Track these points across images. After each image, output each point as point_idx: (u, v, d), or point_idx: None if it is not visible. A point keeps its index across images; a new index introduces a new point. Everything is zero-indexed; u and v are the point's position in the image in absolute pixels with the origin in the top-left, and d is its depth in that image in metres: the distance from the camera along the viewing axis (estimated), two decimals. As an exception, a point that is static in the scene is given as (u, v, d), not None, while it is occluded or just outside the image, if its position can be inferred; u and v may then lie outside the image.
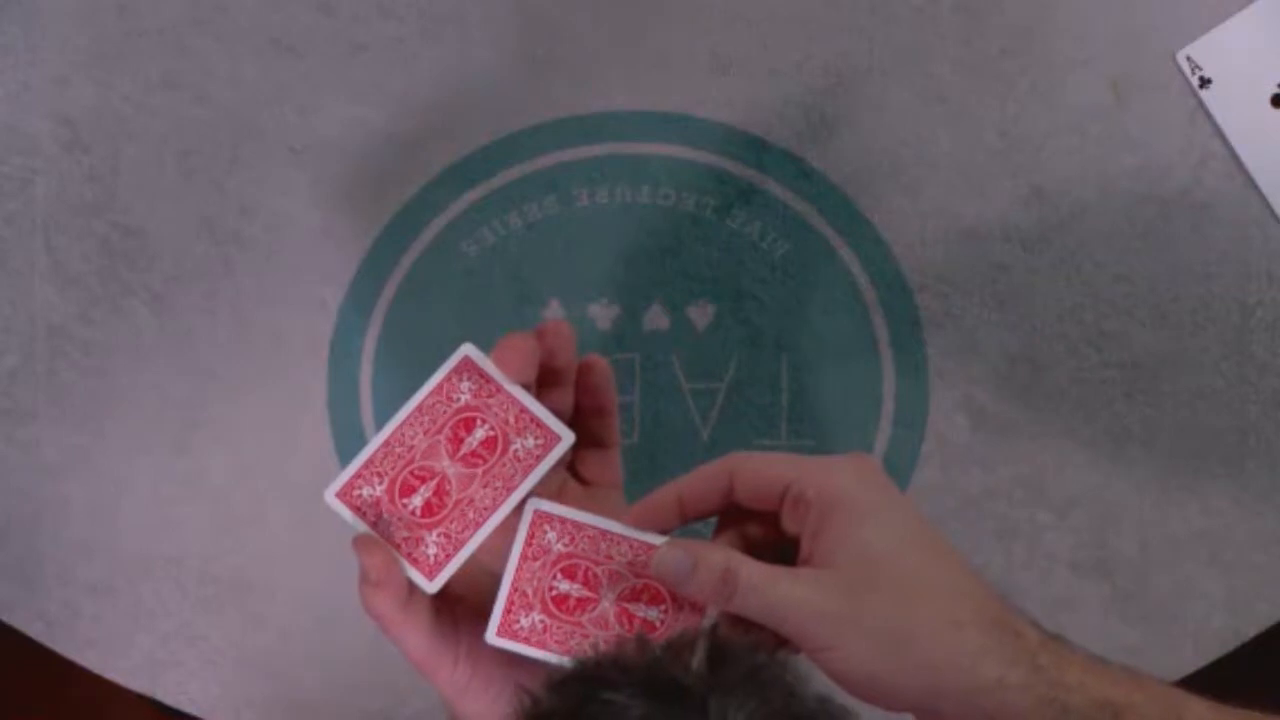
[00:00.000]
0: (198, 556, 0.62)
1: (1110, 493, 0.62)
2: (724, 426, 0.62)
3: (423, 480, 0.50)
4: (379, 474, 0.50)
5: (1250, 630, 0.62)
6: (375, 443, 0.50)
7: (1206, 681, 0.62)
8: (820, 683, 0.41)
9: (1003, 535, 0.62)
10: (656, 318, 0.62)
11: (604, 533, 0.49)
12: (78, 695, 0.63)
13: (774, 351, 0.62)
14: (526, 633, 0.49)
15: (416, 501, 0.50)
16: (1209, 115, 0.62)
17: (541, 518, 0.49)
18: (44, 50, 0.62)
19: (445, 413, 0.50)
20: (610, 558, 0.49)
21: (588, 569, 0.49)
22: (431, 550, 0.50)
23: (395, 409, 0.60)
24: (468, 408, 0.50)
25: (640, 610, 0.49)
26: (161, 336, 0.62)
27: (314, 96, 0.62)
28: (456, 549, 0.50)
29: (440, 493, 0.50)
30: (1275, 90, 0.62)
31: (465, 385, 0.50)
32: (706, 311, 0.62)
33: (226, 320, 0.62)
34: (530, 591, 0.49)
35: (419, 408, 0.50)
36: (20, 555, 0.62)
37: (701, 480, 0.47)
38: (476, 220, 0.62)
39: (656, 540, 0.48)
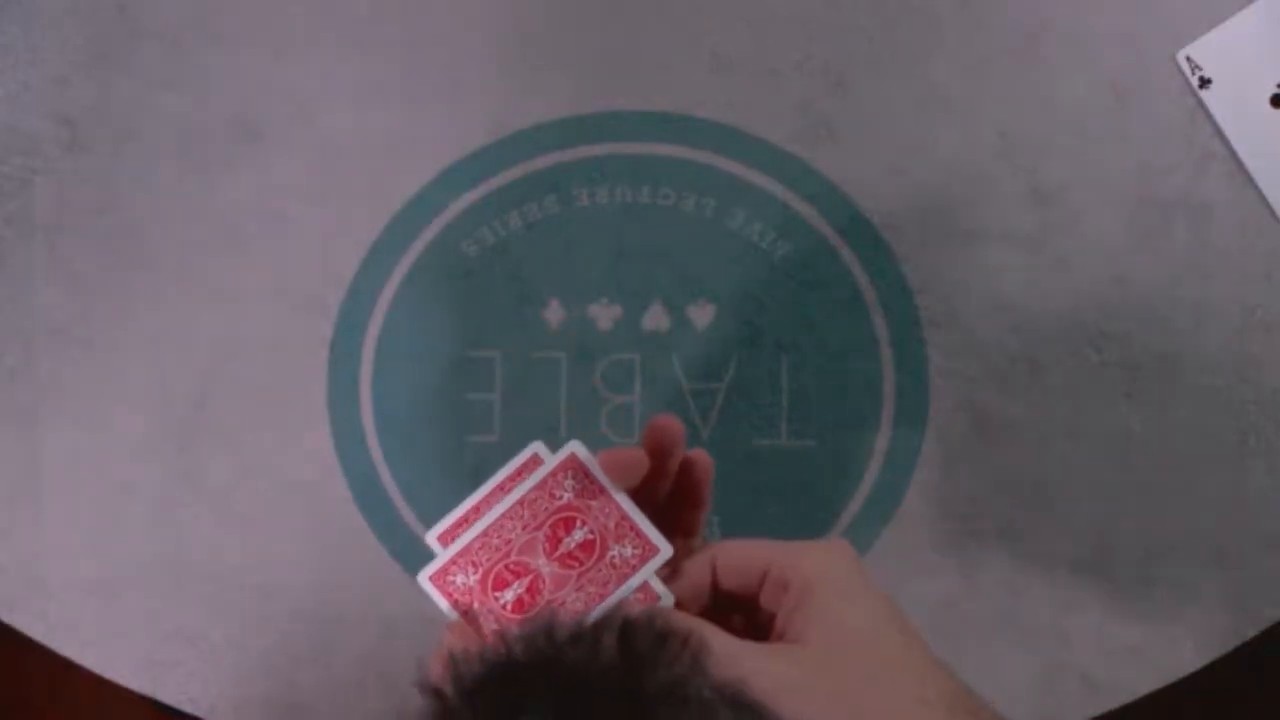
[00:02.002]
0: (199, 556, 0.62)
1: (1110, 493, 0.62)
2: (724, 426, 0.62)
3: (517, 576, 0.50)
4: (474, 563, 0.50)
5: (1250, 630, 0.62)
6: (474, 531, 0.50)
7: (1206, 681, 0.62)
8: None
9: (1003, 535, 0.62)
10: (656, 318, 0.62)
11: (487, 533, 0.49)
12: (78, 695, 0.63)
13: (774, 351, 0.62)
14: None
15: (509, 596, 0.50)
16: (1209, 115, 0.62)
17: (438, 577, 0.50)
18: (44, 50, 0.62)
19: (546, 510, 0.50)
20: (511, 540, 0.50)
21: (509, 565, 0.50)
22: None
23: (396, 407, 0.61)
24: (569, 507, 0.50)
25: (571, 543, 0.49)
26: (162, 336, 0.62)
27: (314, 97, 0.62)
28: None
29: (533, 590, 0.50)
30: (1275, 90, 0.62)
31: (569, 484, 0.50)
32: (706, 311, 0.62)
33: (227, 320, 0.62)
34: (497, 625, 0.49)
35: (520, 501, 0.50)
36: (21, 555, 0.62)
37: (690, 574, 0.48)
38: (476, 220, 0.62)
39: (661, 543, 0.49)
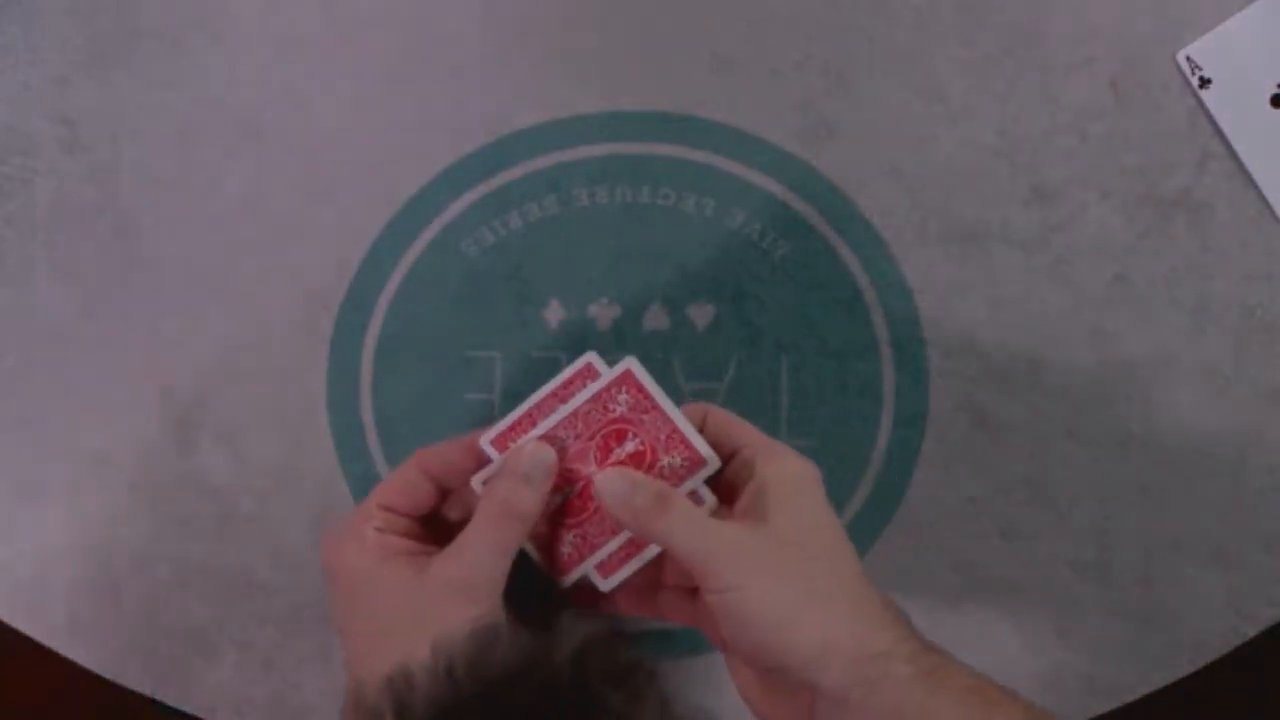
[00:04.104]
0: (199, 556, 0.62)
1: (1110, 493, 0.62)
2: (724, 426, 0.62)
3: (569, 482, 0.51)
4: None
5: (1250, 630, 0.62)
6: (528, 438, 0.52)
7: (1207, 681, 0.62)
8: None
9: (1003, 535, 0.62)
10: (656, 318, 0.62)
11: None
12: (79, 696, 0.63)
13: (774, 351, 0.62)
14: (573, 555, 0.52)
15: (557, 500, 0.52)
16: (1209, 115, 0.62)
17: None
18: (44, 50, 0.62)
19: (600, 421, 0.52)
20: (562, 449, 0.52)
21: (559, 472, 0.51)
22: (565, 549, 0.52)
23: (396, 407, 0.61)
24: (622, 420, 0.52)
25: (622, 453, 0.52)
26: (162, 337, 0.62)
27: (314, 96, 0.62)
28: (588, 553, 0.52)
29: (584, 496, 0.52)
30: (1275, 90, 0.62)
31: (623, 398, 0.51)
32: (706, 311, 0.62)
33: (227, 320, 0.62)
34: (545, 529, 0.52)
35: (575, 412, 0.51)
36: (22, 555, 0.62)
37: (688, 411, 0.53)
38: (476, 220, 0.62)
39: (706, 451, 0.52)
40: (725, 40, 0.62)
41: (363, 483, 0.62)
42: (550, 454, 0.53)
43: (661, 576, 0.56)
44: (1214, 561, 0.62)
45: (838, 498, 0.62)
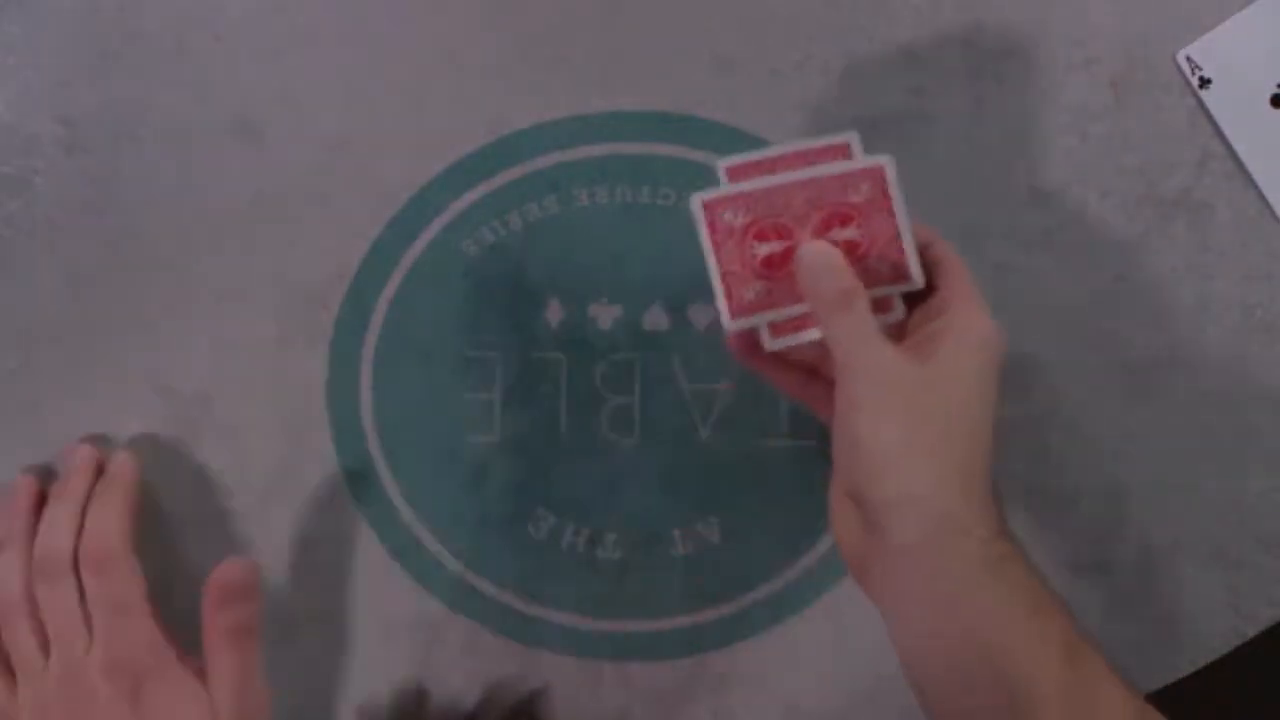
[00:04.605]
0: (199, 556, 0.62)
1: (1110, 493, 0.62)
2: (724, 426, 0.62)
3: (779, 236, 0.52)
4: (749, 208, 0.51)
5: (1250, 630, 0.62)
6: (764, 182, 0.52)
7: (1206, 681, 0.62)
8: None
9: (1003, 535, 0.62)
10: (656, 318, 0.62)
11: (773, 189, 0.51)
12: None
13: (774, 351, 0.62)
14: (754, 303, 0.52)
15: (763, 250, 0.52)
16: (1209, 115, 0.62)
17: (712, 206, 0.51)
18: (45, 51, 0.62)
19: (833, 197, 0.51)
20: (789, 205, 0.51)
21: (776, 224, 0.51)
22: (750, 295, 0.52)
23: (396, 407, 0.60)
24: (853, 205, 0.51)
25: (839, 235, 0.52)
26: (162, 336, 0.62)
27: (314, 96, 0.62)
28: (767, 308, 0.52)
29: (786, 255, 0.52)
30: (1275, 90, 0.62)
31: (865, 187, 0.51)
32: (707, 311, 0.62)
33: (227, 320, 0.62)
34: (739, 268, 0.52)
35: (815, 179, 0.51)
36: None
37: (918, 229, 0.53)
38: (476, 220, 0.62)
39: (915, 268, 0.52)
40: (725, 40, 0.62)
41: (362, 482, 0.62)
42: (239, 566, 0.57)
43: (823, 366, 0.56)
44: (1214, 561, 0.62)
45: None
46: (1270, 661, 0.63)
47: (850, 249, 0.51)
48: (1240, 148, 0.62)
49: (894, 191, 0.52)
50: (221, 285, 0.62)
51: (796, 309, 0.52)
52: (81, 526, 0.58)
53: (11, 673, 0.58)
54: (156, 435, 0.62)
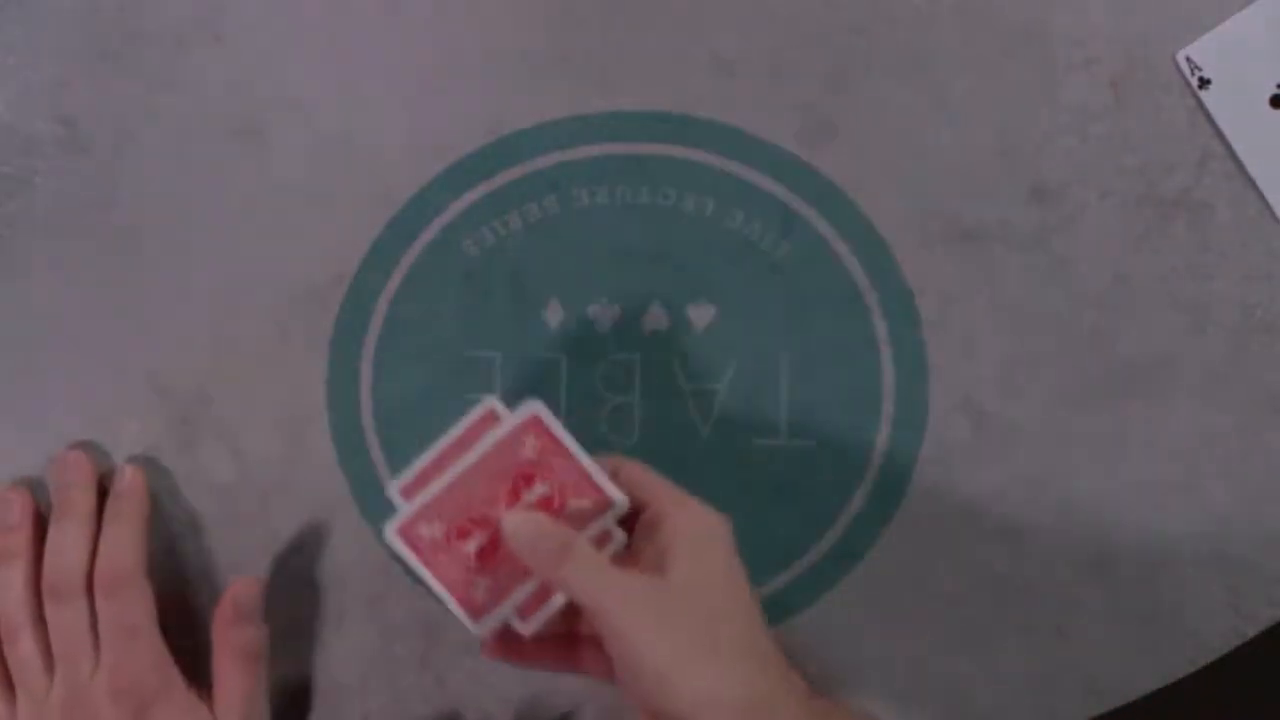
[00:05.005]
0: (199, 555, 0.62)
1: (1110, 493, 0.62)
2: (724, 426, 0.62)
3: (480, 527, 0.51)
4: (439, 515, 0.52)
5: (1250, 630, 0.62)
6: (439, 485, 0.51)
7: (1207, 681, 0.62)
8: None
9: (1003, 535, 0.62)
10: (656, 318, 0.62)
11: (451, 487, 0.52)
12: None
13: (774, 352, 0.62)
14: (488, 600, 0.52)
15: (471, 547, 0.51)
16: (1209, 115, 0.62)
17: (406, 530, 0.51)
18: (44, 50, 0.62)
19: (508, 465, 0.51)
20: (472, 493, 0.52)
21: (471, 518, 0.51)
22: (480, 595, 0.52)
23: (396, 407, 0.61)
24: (530, 464, 0.52)
25: (531, 496, 0.52)
26: (163, 337, 0.62)
27: (314, 96, 0.62)
28: (504, 598, 0.52)
29: (494, 541, 0.52)
30: (1275, 90, 0.62)
31: (530, 441, 0.52)
32: (706, 312, 0.62)
33: (227, 320, 0.62)
34: (459, 574, 0.51)
35: (484, 456, 0.51)
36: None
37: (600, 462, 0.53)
38: (476, 220, 0.62)
39: (613, 491, 0.52)
40: (725, 40, 0.62)
41: (362, 482, 0.62)
42: (255, 585, 0.59)
43: (578, 627, 0.56)
44: (1214, 561, 0.62)
45: (837, 498, 0.62)
46: (1270, 661, 0.63)
47: (546, 504, 0.51)
48: (1240, 148, 0.62)
49: (557, 431, 0.52)
50: (221, 285, 0.62)
51: (530, 585, 0.52)
52: (94, 545, 0.58)
53: (11, 689, 0.58)
54: (157, 435, 0.62)
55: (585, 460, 0.52)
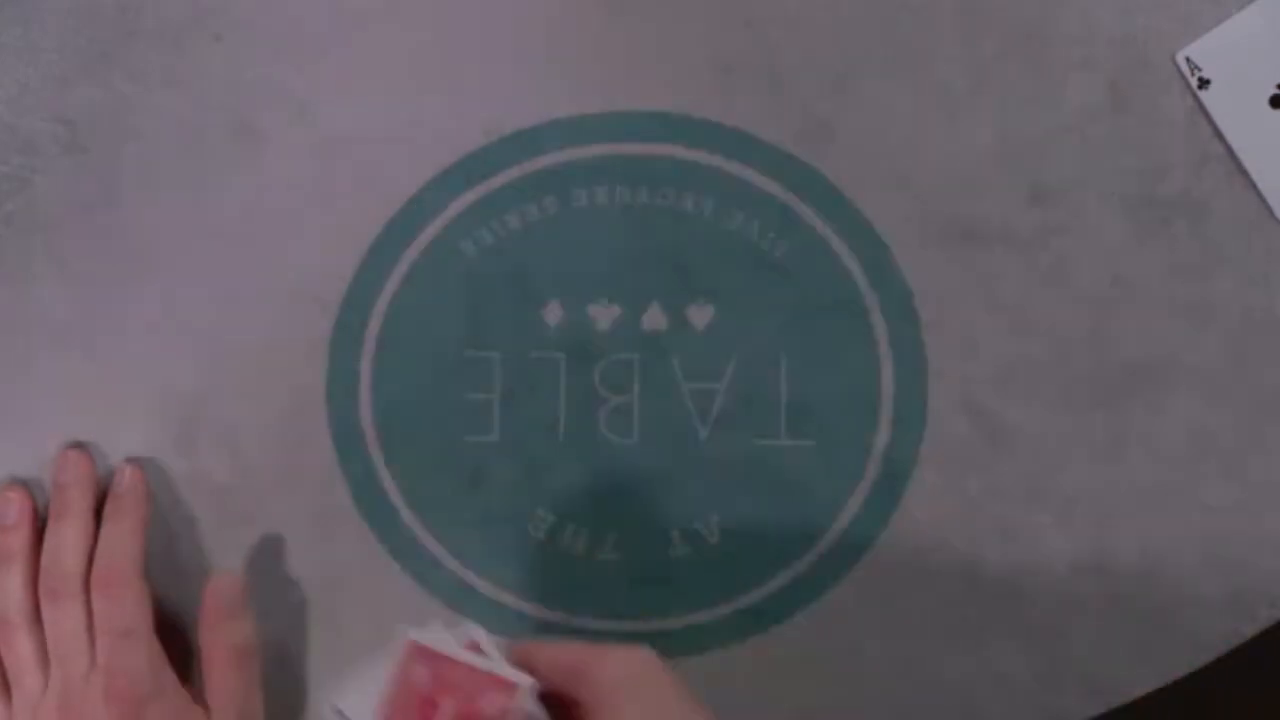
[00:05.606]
0: (198, 556, 0.62)
1: (1110, 493, 0.62)
2: (723, 426, 0.62)
3: None
4: None
5: (1250, 630, 0.62)
6: None
7: (1207, 681, 0.62)
8: None
9: (1003, 535, 0.62)
10: (656, 318, 0.62)
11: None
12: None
13: (774, 352, 0.62)
14: None
15: None
16: (1208, 116, 0.62)
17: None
18: (44, 50, 0.62)
19: (411, 701, 0.49)
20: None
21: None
22: None
23: (396, 407, 0.60)
24: (428, 688, 0.49)
25: (445, 715, 0.48)
26: (162, 336, 0.62)
27: (313, 96, 0.62)
28: None
29: None
30: (1275, 91, 0.62)
31: (420, 670, 0.49)
32: (706, 312, 0.62)
33: (227, 320, 0.62)
34: None
35: (392, 695, 0.49)
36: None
37: (515, 654, 0.49)
38: (476, 220, 0.62)
39: (520, 678, 0.48)
40: (726, 40, 0.62)
41: (362, 482, 0.62)
42: (236, 580, 0.59)
43: None
44: (1214, 561, 0.62)
45: (835, 499, 0.62)
46: (1270, 661, 0.63)
47: (466, 713, 0.48)
48: (1240, 148, 0.62)
49: (439, 646, 0.49)
50: (220, 285, 0.62)
51: None
52: (92, 545, 0.58)
53: (7, 689, 0.58)
54: (156, 435, 0.62)
55: (472, 658, 0.49)
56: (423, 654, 0.50)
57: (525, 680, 0.49)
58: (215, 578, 0.59)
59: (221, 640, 0.58)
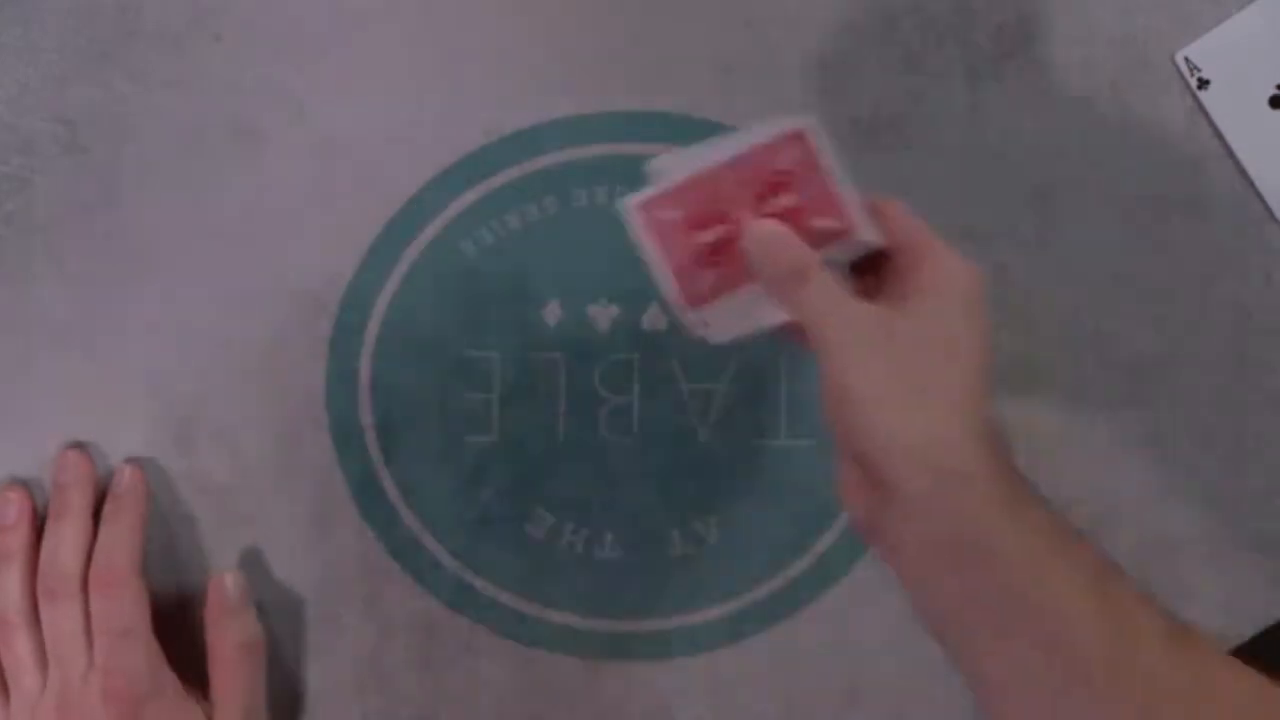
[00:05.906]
0: (198, 556, 0.62)
1: (1110, 493, 0.62)
2: (723, 426, 0.62)
3: (719, 221, 0.50)
4: (681, 202, 0.50)
5: (1250, 630, 0.62)
6: (684, 172, 0.50)
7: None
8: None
9: (1002, 535, 0.62)
10: (655, 318, 0.62)
11: (700, 177, 0.50)
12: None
13: (773, 351, 0.62)
14: (708, 293, 0.51)
15: (708, 237, 0.50)
16: (1208, 116, 0.62)
17: (646, 206, 0.50)
18: (43, 50, 0.62)
19: (763, 170, 0.50)
20: (720, 189, 0.50)
21: (713, 210, 0.50)
22: (700, 286, 0.51)
23: (396, 407, 0.60)
24: (786, 173, 0.50)
25: (776, 204, 0.50)
26: (162, 336, 0.62)
27: (313, 96, 0.62)
28: (720, 295, 0.51)
29: (730, 240, 0.50)
30: (1274, 91, 0.62)
31: (790, 153, 0.50)
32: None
33: (227, 320, 0.62)
34: (686, 263, 0.50)
35: (739, 156, 0.50)
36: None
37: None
38: (476, 220, 0.62)
39: (865, 226, 0.50)
40: (725, 40, 0.62)
41: (362, 482, 0.62)
42: (238, 577, 0.60)
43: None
44: (1214, 561, 0.62)
45: (834, 499, 0.62)
46: (1270, 661, 0.63)
47: (792, 215, 0.50)
48: (1239, 148, 0.62)
49: (822, 150, 0.50)
50: (220, 285, 0.62)
51: (753, 292, 0.50)
52: (91, 545, 0.58)
53: (6, 689, 0.58)
54: (156, 435, 0.62)
55: (841, 181, 0.50)
56: (802, 144, 0.50)
57: (865, 229, 0.50)
58: (218, 574, 0.59)
59: (226, 636, 0.58)
